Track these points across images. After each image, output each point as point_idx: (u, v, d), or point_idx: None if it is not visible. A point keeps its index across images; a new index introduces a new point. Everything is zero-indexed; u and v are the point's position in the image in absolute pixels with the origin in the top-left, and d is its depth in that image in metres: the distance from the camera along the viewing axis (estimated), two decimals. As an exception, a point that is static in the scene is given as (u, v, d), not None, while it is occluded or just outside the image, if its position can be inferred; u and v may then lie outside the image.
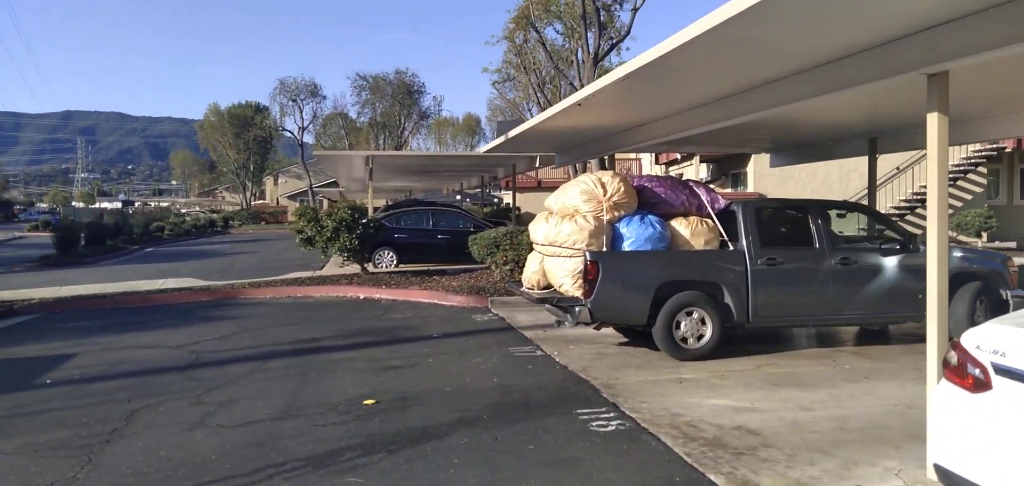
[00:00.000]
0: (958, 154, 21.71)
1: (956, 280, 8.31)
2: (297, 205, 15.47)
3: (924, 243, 8.34)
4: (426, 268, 16.78)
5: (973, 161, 21.33)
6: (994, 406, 3.49)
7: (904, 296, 8.21)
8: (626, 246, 7.81)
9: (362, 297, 13.46)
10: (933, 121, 4.31)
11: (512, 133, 9.86)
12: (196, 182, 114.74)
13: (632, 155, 33.37)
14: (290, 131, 64.86)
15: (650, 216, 7.93)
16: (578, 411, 5.97)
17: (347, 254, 14.24)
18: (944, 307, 4.30)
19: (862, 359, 7.81)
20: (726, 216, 8.21)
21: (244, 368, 7.82)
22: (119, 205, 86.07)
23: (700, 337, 7.78)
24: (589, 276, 7.58)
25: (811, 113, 8.85)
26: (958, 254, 8.46)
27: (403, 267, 17.31)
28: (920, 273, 8.32)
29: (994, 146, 21.14)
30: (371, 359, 8.18)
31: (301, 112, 61.62)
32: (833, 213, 8.62)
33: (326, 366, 7.86)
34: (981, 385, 3.57)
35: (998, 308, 8.45)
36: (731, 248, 8.02)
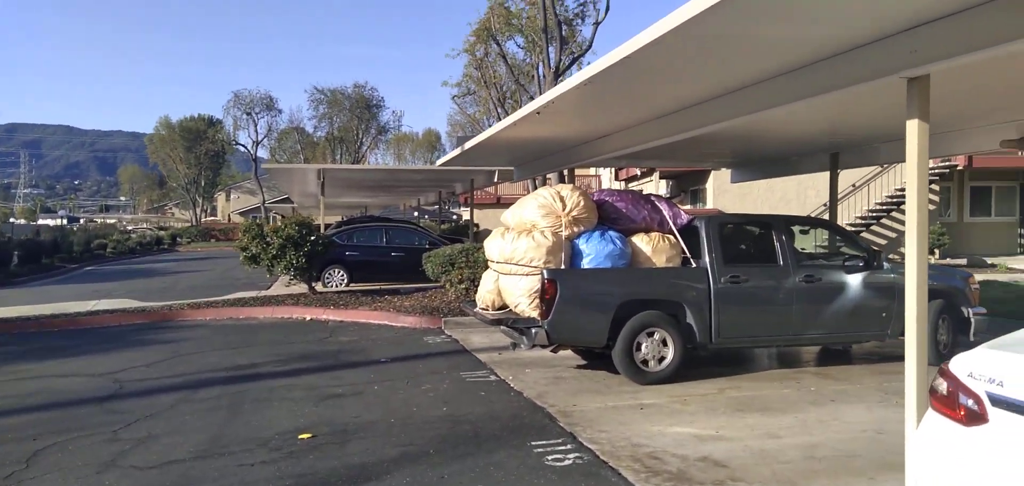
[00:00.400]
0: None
1: (920, 298, 8.10)
2: (248, 222, 14.84)
3: (888, 260, 8.15)
4: (378, 287, 16.18)
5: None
6: (991, 441, 3.13)
7: (869, 315, 7.97)
8: (585, 263, 7.41)
9: (308, 318, 12.81)
10: (913, 129, 4.00)
11: (469, 144, 9.42)
12: (145, 198, 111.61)
13: (592, 172, 33.23)
14: (244, 145, 63.47)
15: (611, 232, 7.55)
16: (533, 443, 5.50)
17: (294, 273, 13.57)
18: (924, 329, 3.99)
19: (826, 381, 7.51)
20: (688, 232, 7.87)
21: (171, 399, 7.17)
22: (62, 221, 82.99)
23: (661, 359, 7.40)
24: (546, 295, 7.15)
25: (775, 125, 8.61)
26: (921, 271, 8.25)
27: (355, 286, 16.67)
28: (885, 291, 8.14)
29: (946, 164, 21.44)
30: (311, 387, 7.60)
31: (256, 126, 60.37)
32: (796, 229, 8.35)
33: (261, 395, 7.26)
34: (975, 418, 3.22)
35: (960, 326, 8.27)
36: (694, 265, 7.68)
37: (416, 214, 36.24)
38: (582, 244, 7.45)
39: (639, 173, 25.61)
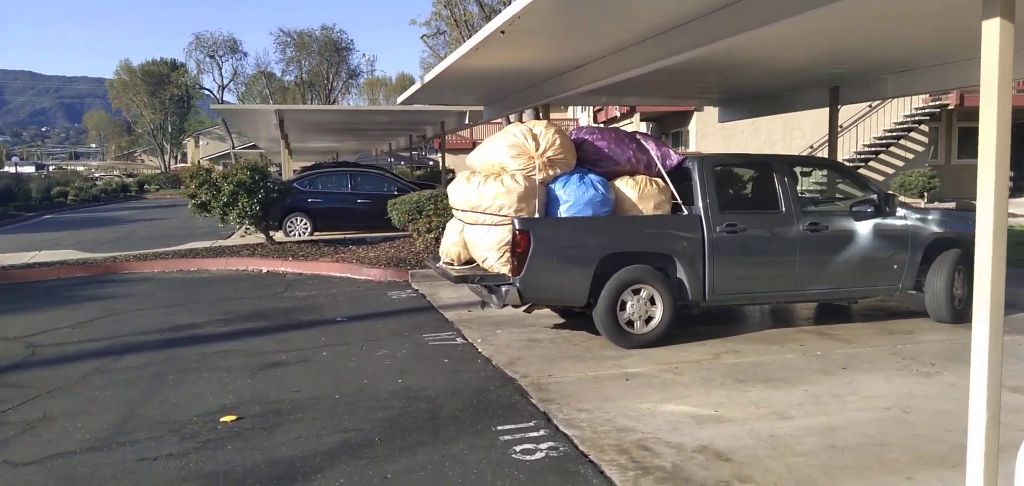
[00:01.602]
0: (901, 111, 21.18)
1: (933, 249, 7.31)
2: (194, 166, 13.70)
3: (901, 204, 7.30)
4: (343, 236, 15.16)
5: (916, 118, 20.82)
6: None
7: (880, 266, 7.15)
8: (562, 211, 6.48)
9: (264, 271, 11.81)
10: (994, 32, 3.04)
11: (429, 76, 8.35)
12: (113, 145, 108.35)
13: (570, 115, 32.09)
14: (209, 90, 61.22)
15: (591, 175, 6.60)
16: (499, 427, 4.63)
17: (249, 222, 12.50)
18: (999, 299, 3.09)
19: (832, 342, 6.71)
20: (679, 175, 6.95)
21: (85, 368, 6.21)
22: (30, 169, 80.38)
23: (648, 320, 6.54)
24: (518, 248, 6.22)
25: (769, 51, 7.64)
26: (934, 217, 7.44)
27: (319, 236, 15.65)
28: (898, 239, 7.28)
29: (936, 103, 20.67)
30: (253, 353, 6.67)
31: (220, 69, 58.15)
32: (799, 171, 7.46)
33: (192, 364, 6.31)
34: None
35: (978, 278, 7.47)
36: (685, 213, 6.77)
37: (390, 160, 34.98)
38: (558, 189, 6.50)
39: (619, 114, 24.58)
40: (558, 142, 6.52)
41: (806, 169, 8.11)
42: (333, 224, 15.87)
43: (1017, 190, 22.89)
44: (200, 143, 71.19)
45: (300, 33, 55.56)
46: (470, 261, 6.94)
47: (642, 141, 7.06)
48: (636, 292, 6.49)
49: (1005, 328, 7.05)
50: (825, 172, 8.04)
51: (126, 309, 8.89)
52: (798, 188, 7.21)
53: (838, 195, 7.80)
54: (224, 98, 58.93)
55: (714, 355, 6.30)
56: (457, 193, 6.79)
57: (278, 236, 15.16)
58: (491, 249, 6.45)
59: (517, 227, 6.22)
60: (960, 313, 7.25)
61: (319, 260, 11.94)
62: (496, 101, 10.44)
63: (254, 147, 39.41)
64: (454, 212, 7.01)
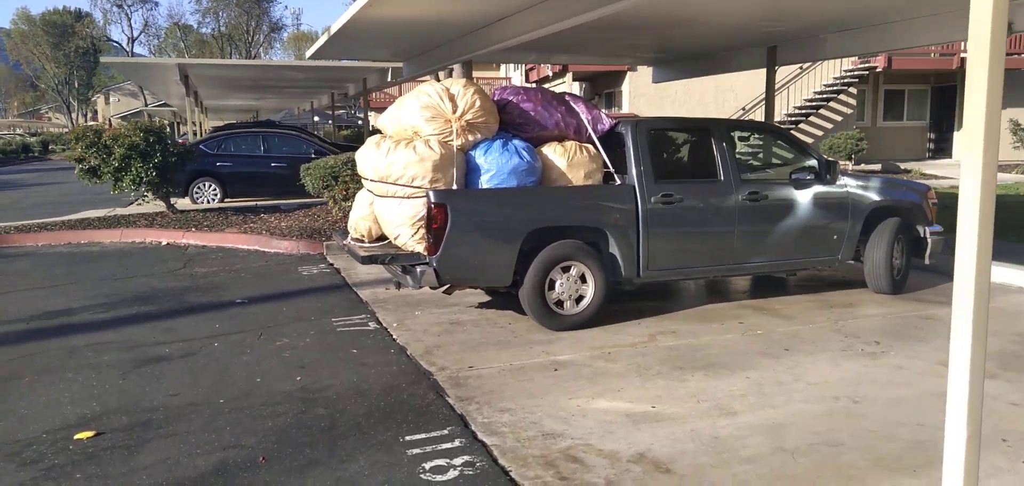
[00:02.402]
0: (830, 73, 21.24)
1: (873, 217, 7.00)
2: (81, 127, 12.34)
3: (844, 173, 6.94)
4: (255, 203, 14.15)
5: (845, 81, 20.91)
6: None
7: (821, 237, 6.79)
8: (484, 182, 5.82)
9: (164, 243, 10.78)
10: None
11: (334, 27, 7.48)
12: (16, 101, 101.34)
13: (501, 74, 31.22)
14: (117, 42, 57.55)
15: (515, 141, 5.95)
16: (408, 438, 3.99)
17: (145, 188, 11.37)
18: (985, 277, 2.58)
19: (772, 319, 6.32)
20: (612, 140, 6.37)
21: (-79, 372, 5.25)
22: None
23: (579, 299, 5.99)
24: (434, 224, 5.54)
25: (705, 8, 7.13)
26: (874, 184, 7.11)
27: (229, 202, 14.57)
28: (838, 208, 6.87)
29: (865, 65, 20.79)
30: (131, 345, 5.82)
31: (129, 20, 54.65)
32: (738, 136, 7.00)
33: (56, 361, 5.43)
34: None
35: (916, 248, 7.23)
36: (618, 182, 6.22)
37: (315, 119, 33.49)
38: (479, 157, 5.83)
39: (551, 74, 23.94)
40: (478, 103, 5.83)
41: (745, 134, 7.67)
42: (245, 189, 14.79)
43: (939, 152, 23.45)
44: (111, 100, 67.13)
45: (217, -17, 52.54)
46: (382, 237, 6.22)
47: (571, 103, 6.43)
48: (565, 270, 5.92)
49: (946, 299, 6.85)
50: (764, 137, 7.61)
51: (-6, 291, 7.83)
52: (736, 154, 6.74)
53: (777, 161, 7.40)
54: (135, 51, 55.48)
55: (650, 336, 5.80)
56: (366, 160, 6.03)
57: (183, 203, 14.03)
58: (404, 225, 5.75)
59: (432, 200, 5.53)
60: (899, 284, 6.99)
61: (226, 230, 10.97)
62: (415, 56, 9.63)
63: (167, 105, 37.17)
64: (363, 182, 6.26)
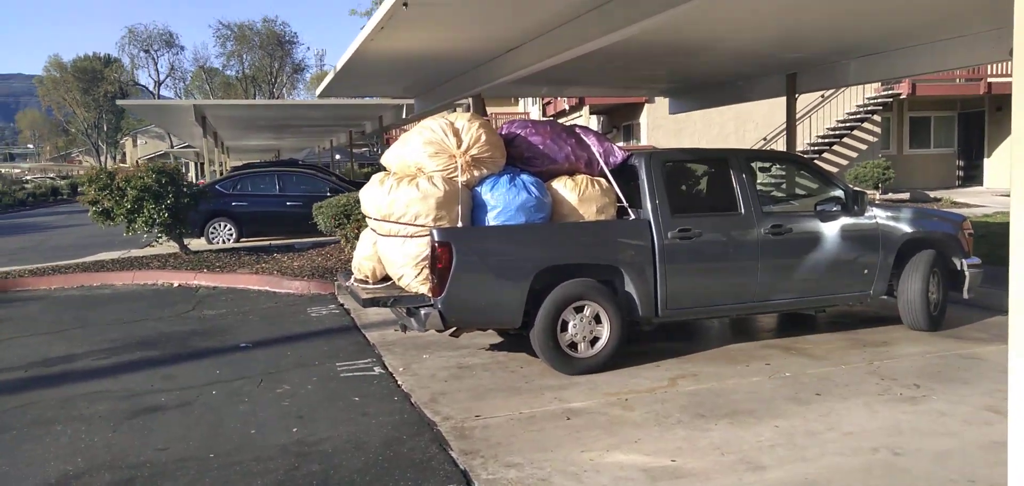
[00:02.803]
0: (853, 101, 20.84)
1: (905, 249, 6.61)
2: (94, 170, 12.35)
3: (872, 203, 6.59)
4: (269, 243, 14.02)
5: (868, 108, 20.49)
6: None
7: (850, 271, 6.43)
8: (491, 219, 5.56)
9: (176, 285, 10.64)
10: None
11: (339, 63, 7.33)
12: (49, 145, 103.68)
13: (520, 108, 31.15)
14: (144, 86, 58.63)
15: (523, 176, 5.69)
16: (405, 498, 3.69)
17: (158, 229, 11.28)
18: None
19: (801, 360, 5.94)
20: (625, 173, 6.10)
21: (-91, 425, 5.06)
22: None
23: (594, 341, 5.67)
24: (438, 264, 5.28)
25: (721, 33, 6.87)
26: (906, 215, 6.74)
27: (246, 242, 14.47)
28: (868, 241, 6.49)
29: (888, 93, 20.36)
30: (128, 394, 5.60)
31: (156, 64, 55.68)
32: (758, 166, 6.68)
33: (49, 412, 5.22)
34: None
35: (952, 281, 6.82)
36: (633, 217, 5.92)
37: (337, 157, 33.63)
38: (485, 193, 5.58)
39: (568, 107, 23.78)
40: (484, 138, 5.59)
41: (766, 164, 7.35)
42: (261, 229, 14.70)
43: (969, 180, 22.85)
44: (138, 142, 68.34)
45: (240, 25, 53.48)
46: (387, 278, 5.97)
47: (582, 136, 6.18)
48: (579, 310, 5.61)
49: (988, 335, 6.43)
50: (786, 167, 7.28)
51: (-2, 338, 7.69)
52: (758, 186, 6.42)
53: (801, 192, 7.06)
54: (161, 94, 56.45)
55: (670, 381, 5.46)
56: (369, 198, 5.80)
57: (198, 243, 13.95)
58: (407, 265, 5.50)
59: (436, 239, 5.28)
60: (936, 320, 6.58)
61: (237, 271, 10.81)
62: (425, 92, 9.47)
63: (190, 147, 37.63)
64: (367, 221, 6.03)
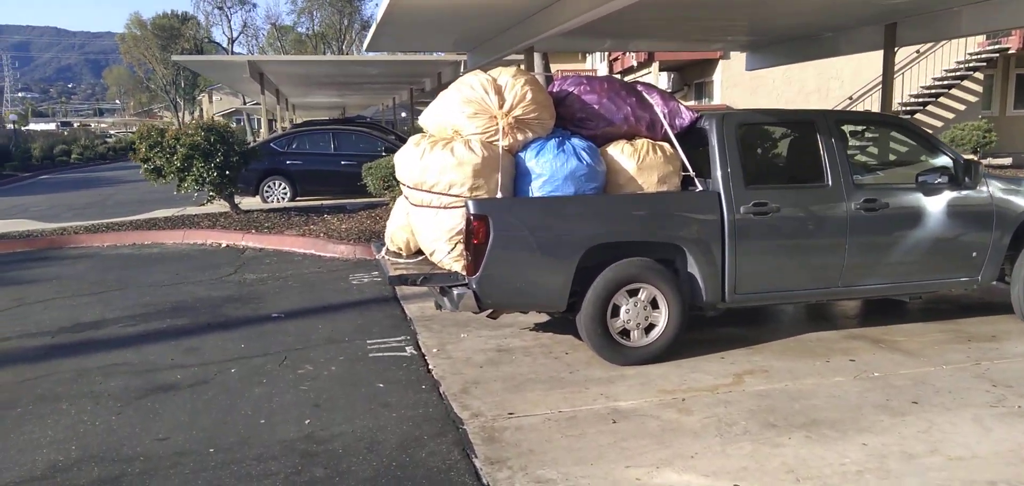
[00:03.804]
0: (952, 57, 19.06)
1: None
2: (145, 126, 12.23)
3: (986, 175, 5.61)
4: (321, 203, 13.72)
5: (970, 65, 18.69)
6: None
7: (956, 254, 5.52)
8: (535, 189, 4.90)
9: (223, 245, 10.41)
10: None
11: (379, 11, 6.74)
12: (132, 101, 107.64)
13: (586, 66, 30.01)
14: (218, 43, 59.70)
15: (573, 141, 5.00)
16: (413, 521, 3.14)
17: (209, 188, 11.06)
18: None
19: (892, 355, 5.11)
20: (693, 138, 5.33)
21: (-82, 396, 4.82)
22: (52, 126, 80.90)
23: (649, 328, 4.99)
24: (474, 240, 4.67)
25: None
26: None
27: (301, 201, 14.23)
28: (979, 219, 5.47)
29: (994, 47, 18.49)
30: (145, 368, 5.25)
31: (229, 21, 56.59)
32: (849, 130, 5.78)
33: (60, 386, 4.91)
34: None
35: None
36: (700, 188, 5.17)
37: (403, 115, 33.35)
38: (530, 160, 4.91)
39: (636, 63, 22.66)
40: (530, 96, 4.91)
41: (858, 127, 6.41)
42: (316, 188, 14.43)
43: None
44: (213, 98, 70.02)
45: (311, -18, 53.65)
46: (421, 251, 5.41)
47: (644, 94, 5.42)
48: (633, 293, 4.93)
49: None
50: (881, 130, 6.35)
51: (38, 298, 7.54)
52: (848, 153, 5.54)
53: (899, 161, 6.13)
54: (234, 50, 57.41)
55: (735, 377, 4.74)
56: (403, 163, 5.21)
57: (253, 202, 13.79)
58: (440, 239, 4.91)
59: (472, 211, 4.66)
60: (1056, 313, 5.61)
61: (285, 233, 10.50)
62: (477, 46, 8.80)
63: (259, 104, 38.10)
64: (402, 188, 5.46)
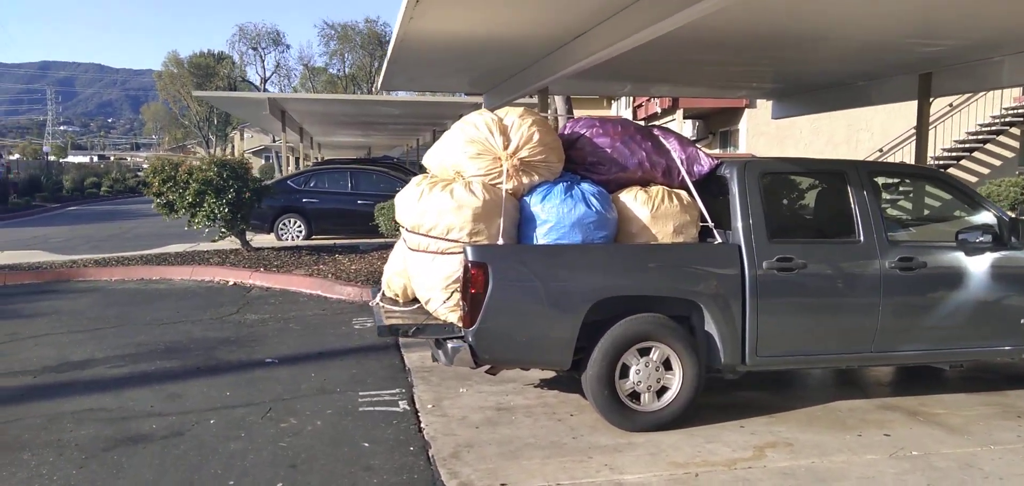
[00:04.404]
0: (987, 110, 18.50)
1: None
2: (158, 160, 12.16)
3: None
4: (334, 242, 13.47)
5: (1006, 120, 18.10)
6: None
7: (1001, 319, 5.04)
8: (540, 236, 4.55)
9: (231, 283, 10.17)
10: None
11: (389, 50, 6.50)
12: (168, 136, 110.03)
13: (611, 112, 29.84)
14: (251, 82, 60.77)
15: (582, 186, 4.65)
16: None
17: (220, 224, 10.87)
18: None
19: (931, 430, 4.62)
20: (713, 186, 4.95)
21: None
22: (89, 159, 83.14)
23: (661, 391, 4.57)
24: (472, 289, 4.31)
25: (837, 19, 5.59)
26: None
27: (315, 240, 14.01)
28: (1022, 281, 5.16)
29: (1031, 101, 17.88)
30: (120, 415, 4.93)
31: (263, 61, 57.61)
32: (883, 182, 5.37)
33: (25, 434, 4.60)
34: None
35: None
36: (719, 240, 4.77)
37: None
38: (535, 204, 4.57)
39: (660, 109, 22.37)
40: (537, 137, 4.59)
41: (893, 180, 5.99)
42: (331, 227, 14.22)
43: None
44: (245, 135, 71.13)
45: (343, 26, 54.60)
46: (417, 299, 5.05)
47: (661, 139, 5.06)
48: (644, 352, 4.52)
49: None
50: (918, 184, 5.92)
51: (31, 333, 7.31)
52: (882, 207, 5.12)
53: (938, 217, 5.69)
54: (266, 89, 58.40)
55: (756, 451, 4.29)
56: (403, 204, 4.90)
57: (263, 239, 13.59)
58: (435, 287, 4.56)
59: (470, 258, 4.31)
60: (1118, 390, 5.08)
61: (293, 272, 10.23)
62: (492, 86, 8.55)
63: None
64: (401, 230, 5.13)
